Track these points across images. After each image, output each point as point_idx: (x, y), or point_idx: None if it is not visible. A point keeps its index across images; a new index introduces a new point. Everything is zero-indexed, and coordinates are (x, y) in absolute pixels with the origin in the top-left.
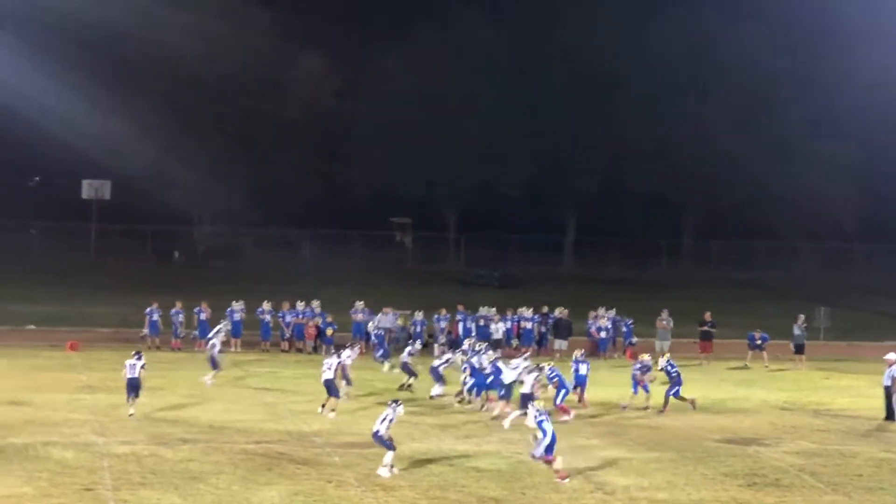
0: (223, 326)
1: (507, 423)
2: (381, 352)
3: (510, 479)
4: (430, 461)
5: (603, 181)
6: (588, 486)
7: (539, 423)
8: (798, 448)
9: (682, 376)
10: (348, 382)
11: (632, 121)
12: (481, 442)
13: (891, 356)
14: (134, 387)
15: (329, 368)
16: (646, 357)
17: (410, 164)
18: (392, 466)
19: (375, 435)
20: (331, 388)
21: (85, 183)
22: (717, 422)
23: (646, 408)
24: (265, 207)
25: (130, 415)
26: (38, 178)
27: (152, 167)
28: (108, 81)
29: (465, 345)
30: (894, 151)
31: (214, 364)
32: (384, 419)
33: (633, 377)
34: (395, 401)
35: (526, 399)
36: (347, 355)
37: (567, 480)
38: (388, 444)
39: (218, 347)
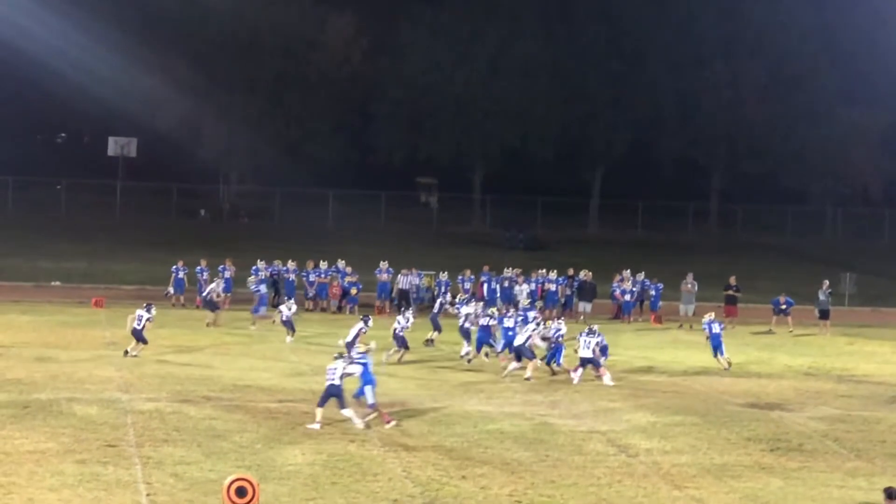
0: (216, 286)
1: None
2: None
3: (533, 440)
4: (453, 422)
5: (630, 144)
6: (611, 448)
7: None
8: (822, 413)
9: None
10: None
11: (660, 83)
12: (504, 403)
13: None
14: (138, 337)
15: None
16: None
17: (438, 125)
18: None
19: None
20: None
21: (111, 140)
22: (740, 386)
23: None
24: (292, 166)
25: (126, 353)
26: (64, 135)
27: (179, 125)
28: (138, 38)
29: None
30: None
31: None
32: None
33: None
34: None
35: (519, 351)
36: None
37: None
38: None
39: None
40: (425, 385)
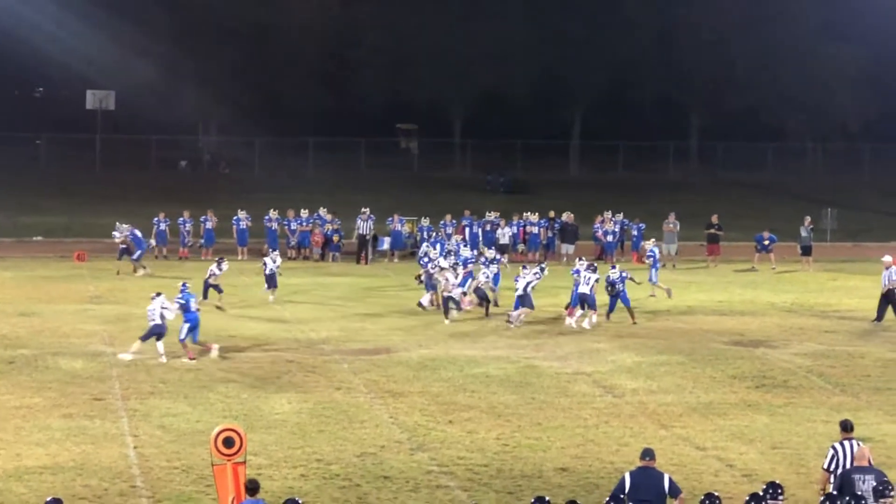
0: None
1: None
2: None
3: (519, 383)
4: (438, 367)
5: (608, 85)
6: (597, 389)
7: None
8: (806, 349)
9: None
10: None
11: (638, 22)
12: (489, 347)
13: (887, 258)
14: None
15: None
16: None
17: (416, 71)
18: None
19: None
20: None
21: (89, 93)
22: (724, 324)
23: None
24: (271, 116)
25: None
26: (42, 89)
27: (157, 77)
28: None
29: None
30: None
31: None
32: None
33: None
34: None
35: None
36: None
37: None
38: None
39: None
40: (410, 331)
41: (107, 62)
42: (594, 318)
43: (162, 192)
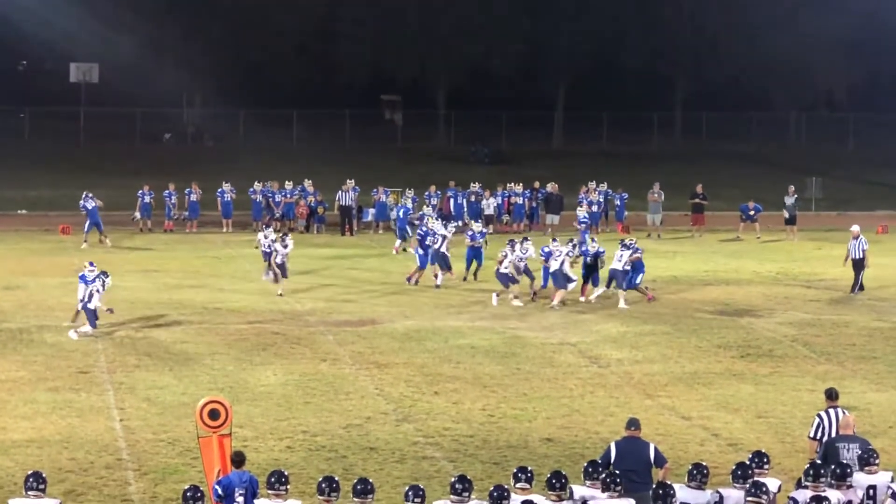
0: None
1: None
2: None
3: (504, 354)
4: (423, 338)
5: (592, 55)
6: (583, 360)
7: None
8: (791, 318)
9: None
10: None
11: None
12: (475, 318)
13: (855, 228)
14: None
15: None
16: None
17: (400, 43)
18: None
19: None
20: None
21: (73, 66)
22: (709, 294)
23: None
24: (255, 88)
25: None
26: (25, 62)
27: (141, 50)
28: None
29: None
30: (886, 21)
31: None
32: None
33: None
34: None
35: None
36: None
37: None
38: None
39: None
40: (395, 302)
41: (90, 35)
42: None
43: (146, 164)
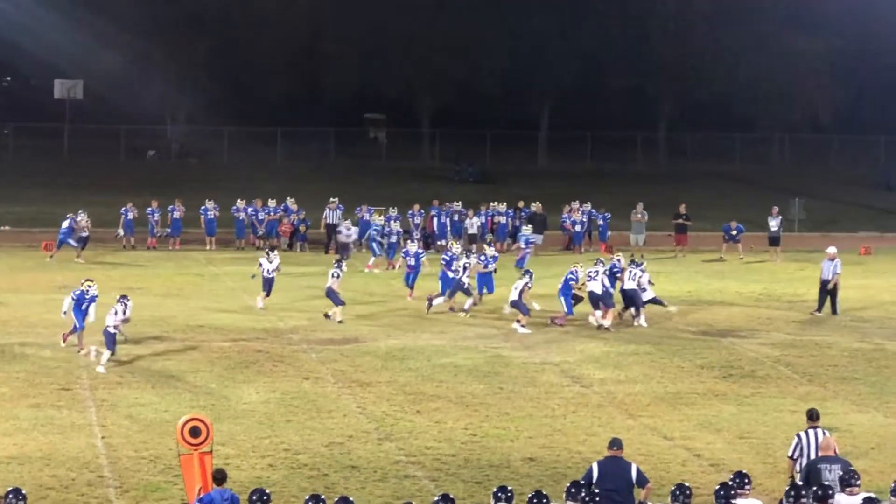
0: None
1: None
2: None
3: (487, 373)
4: (406, 357)
5: (577, 75)
6: (565, 379)
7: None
8: (773, 339)
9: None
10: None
11: (607, 14)
12: (458, 337)
13: (832, 250)
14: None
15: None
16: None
17: (385, 61)
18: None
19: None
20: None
21: (57, 83)
22: (692, 314)
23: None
24: (239, 105)
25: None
26: (9, 78)
27: (126, 66)
28: None
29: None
30: (870, 43)
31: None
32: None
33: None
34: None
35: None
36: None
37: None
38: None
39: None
40: (378, 320)
41: (75, 52)
42: (642, 320)
43: (130, 181)
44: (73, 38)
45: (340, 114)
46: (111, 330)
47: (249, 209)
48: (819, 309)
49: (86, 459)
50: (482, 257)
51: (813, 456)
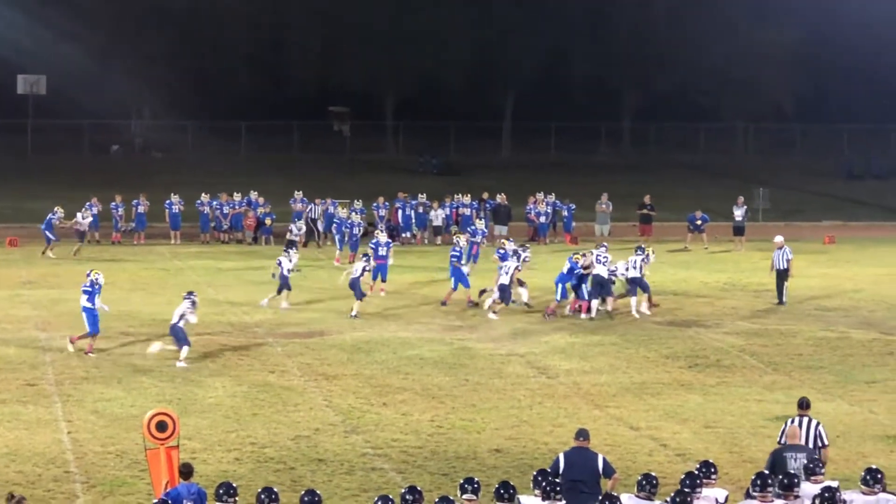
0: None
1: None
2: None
3: (453, 365)
4: (372, 349)
5: (541, 67)
6: (531, 370)
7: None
8: (738, 329)
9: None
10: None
11: (569, 5)
12: (423, 329)
13: (779, 239)
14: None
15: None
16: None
17: (347, 54)
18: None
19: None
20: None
21: (20, 78)
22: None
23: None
24: (203, 99)
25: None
26: None
27: (88, 61)
28: None
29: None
30: (833, 33)
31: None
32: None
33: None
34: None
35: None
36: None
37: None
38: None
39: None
40: (344, 314)
41: (37, 47)
42: (643, 305)
43: (94, 176)
44: (36, 33)
45: (304, 107)
46: (180, 324)
47: (214, 203)
48: (781, 299)
49: (52, 455)
50: (500, 251)
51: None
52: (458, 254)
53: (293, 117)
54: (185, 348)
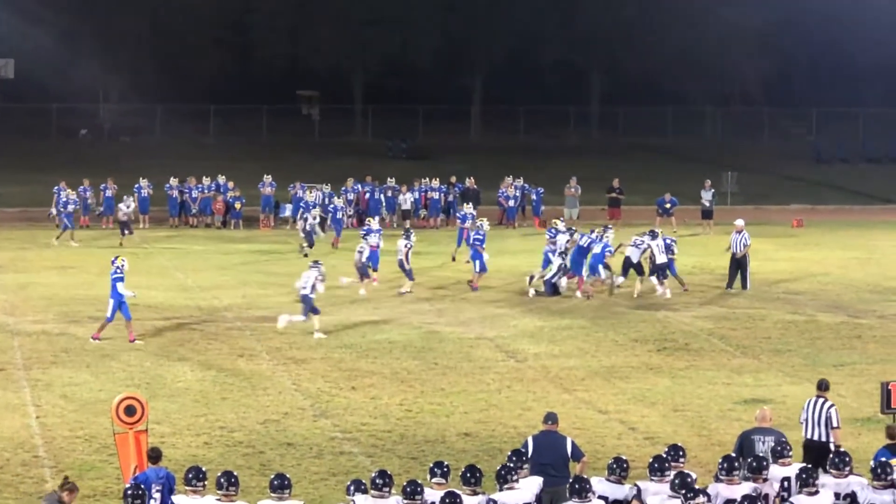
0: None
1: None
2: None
3: (422, 349)
4: (341, 333)
5: (509, 50)
6: (500, 354)
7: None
8: (707, 312)
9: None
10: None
11: None
12: (392, 314)
13: (739, 222)
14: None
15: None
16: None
17: (316, 36)
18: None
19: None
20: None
21: None
22: (626, 288)
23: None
24: (171, 83)
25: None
26: None
27: (56, 45)
28: None
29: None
30: (799, 16)
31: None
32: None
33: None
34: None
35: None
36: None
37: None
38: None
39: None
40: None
41: (5, 30)
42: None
43: (63, 160)
44: (3, 16)
45: (273, 91)
46: (310, 295)
47: (183, 187)
48: (730, 285)
49: (20, 439)
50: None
51: (813, 423)
52: (481, 237)
53: (262, 101)
54: (317, 318)
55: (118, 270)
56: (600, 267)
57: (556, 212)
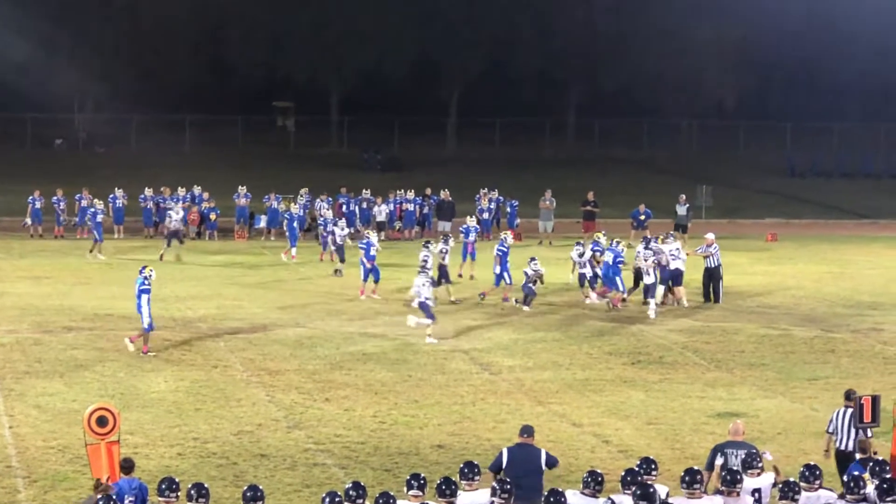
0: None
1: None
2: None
3: (396, 361)
4: (315, 345)
5: (485, 62)
6: (474, 367)
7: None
8: (681, 326)
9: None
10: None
11: (514, 1)
12: (366, 324)
13: (710, 236)
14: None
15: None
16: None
17: (292, 48)
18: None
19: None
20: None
21: None
22: (601, 301)
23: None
24: (147, 93)
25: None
26: None
27: (32, 54)
28: None
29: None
30: (774, 30)
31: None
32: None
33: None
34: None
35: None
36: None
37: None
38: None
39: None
40: (287, 309)
41: None
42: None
43: (38, 170)
44: None
45: (249, 101)
46: (429, 302)
47: (157, 197)
48: (707, 297)
49: None
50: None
51: (843, 433)
52: (506, 250)
53: (238, 111)
54: (432, 323)
55: (145, 281)
56: (617, 279)
57: (532, 225)
